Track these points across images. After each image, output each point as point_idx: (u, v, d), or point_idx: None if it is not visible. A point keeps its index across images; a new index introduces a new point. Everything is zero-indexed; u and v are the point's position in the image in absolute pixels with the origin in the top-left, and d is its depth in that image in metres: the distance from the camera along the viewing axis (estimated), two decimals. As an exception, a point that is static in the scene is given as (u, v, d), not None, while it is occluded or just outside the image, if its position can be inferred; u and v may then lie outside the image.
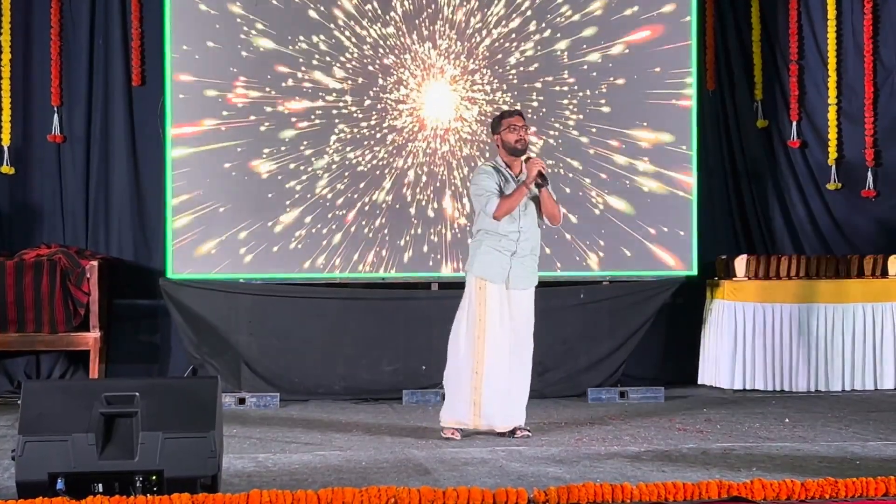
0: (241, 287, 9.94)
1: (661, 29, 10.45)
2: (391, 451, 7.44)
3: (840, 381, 10.46)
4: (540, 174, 7.92)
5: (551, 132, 10.32)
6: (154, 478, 5.47)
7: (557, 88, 10.33)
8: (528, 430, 8.08)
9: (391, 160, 10.14)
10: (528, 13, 10.28)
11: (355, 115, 10.12)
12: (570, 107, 10.35)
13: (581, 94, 10.36)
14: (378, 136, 10.14)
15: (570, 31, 10.35)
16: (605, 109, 10.38)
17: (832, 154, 11.30)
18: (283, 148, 10.02)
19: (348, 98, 10.11)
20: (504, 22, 10.26)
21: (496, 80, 10.27)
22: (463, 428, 7.99)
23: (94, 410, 5.49)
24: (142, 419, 5.50)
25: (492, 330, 7.97)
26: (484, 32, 10.24)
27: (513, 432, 8.01)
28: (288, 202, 10.00)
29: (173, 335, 10.19)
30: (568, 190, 10.26)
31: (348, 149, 10.10)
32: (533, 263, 8.14)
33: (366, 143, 10.12)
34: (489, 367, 7.96)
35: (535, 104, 10.29)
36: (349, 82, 10.11)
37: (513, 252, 8.01)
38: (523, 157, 8.08)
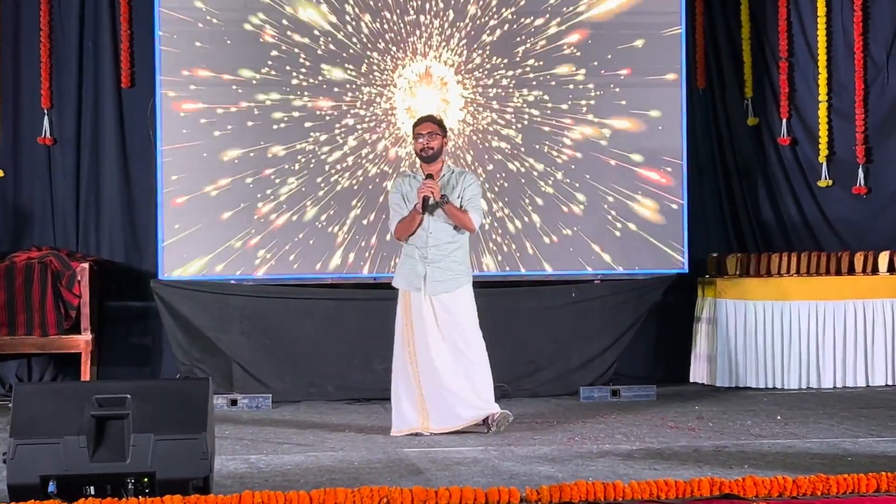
0: (232, 288, 9.94)
1: (651, 27, 10.44)
2: (383, 451, 7.44)
3: (831, 377, 10.48)
4: (425, 200, 7.92)
5: (540, 128, 10.31)
6: (146, 480, 5.45)
7: (544, 83, 10.33)
8: (507, 411, 8.12)
9: (383, 162, 10.13)
10: (512, 15, 10.29)
11: (349, 117, 10.11)
12: (559, 104, 10.34)
13: (570, 87, 10.35)
14: (370, 138, 10.13)
15: (557, 29, 10.36)
16: (593, 104, 10.37)
17: (823, 151, 11.31)
18: (275, 150, 10.01)
19: (343, 99, 10.10)
20: (486, 23, 10.26)
21: (488, 83, 10.26)
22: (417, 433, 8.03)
23: (86, 413, 5.48)
24: (133, 421, 5.48)
25: (420, 337, 8.03)
26: (468, 33, 10.24)
27: (493, 420, 8.05)
28: (278, 204, 9.99)
29: (165, 337, 10.17)
30: (551, 190, 10.27)
31: (340, 151, 10.10)
32: (454, 266, 8.10)
33: (358, 145, 10.11)
34: (424, 371, 8.02)
35: (519, 103, 10.29)
36: (345, 85, 10.11)
37: (425, 257, 8.03)
38: (446, 169, 8.14)
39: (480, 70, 10.25)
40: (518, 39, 10.31)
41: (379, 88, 10.15)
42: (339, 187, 10.08)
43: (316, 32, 10.08)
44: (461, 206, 8.07)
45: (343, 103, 10.12)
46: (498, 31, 10.26)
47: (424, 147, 8.09)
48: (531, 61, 10.32)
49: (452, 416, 8.04)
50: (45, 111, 10.41)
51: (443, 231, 8.08)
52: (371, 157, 10.14)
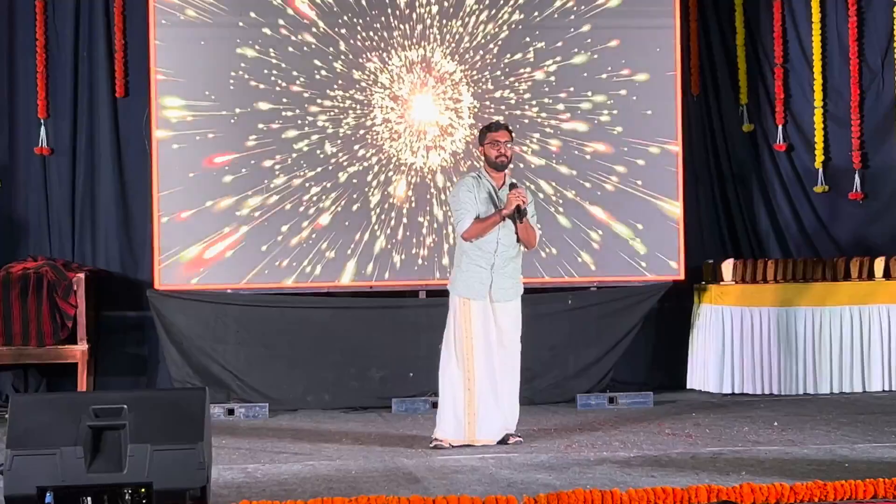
0: (228, 298, 9.93)
1: (645, 34, 10.45)
2: (381, 459, 7.44)
3: (828, 383, 10.48)
4: (518, 208, 7.84)
5: (534, 136, 10.31)
6: (143, 490, 5.45)
7: (539, 92, 10.34)
8: (520, 436, 8.07)
9: (379, 170, 10.13)
10: (510, 20, 10.30)
11: (344, 126, 10.11)
12: (554, 112, 10.34)
13: (564, 94, 10.35)
14: (367, 146, 10.13)
15: (553, 35, 10.37)
16: (590, 113, 10.37)
17: (819, 157, 11.31)
18: (271, 160, 10.01)
19: (338, 107, 10.10)
20: (484, 24, 10.27)
21: (486, 89, 10.27)
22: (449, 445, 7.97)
23: (83, 423, 5.47)
24: (130, 431, 5.48)
25: (479, 347, 7.94)
26: (470, 38, 10.25)
27: (505, 440, 8.00)
28: (275, 213, 9.99)
29: (161, 347, 10.16)
30: (542, 196, 10.28)
31: (337, 160, 10.09)
32: (515, 273, 8.08)
33: (354, 153, 10.11)
34: (480, 383, 7.93)
35: (517, 113, 10.29)
36: (340, 92, 10.11)
37: (492, 265, 7.97)
38: (508, 180, 8.01)
39: (479, 77, 10.25)
40: (512, 48, 10.31)
41: (376, 97, 10.15)
42: (338, 196, 10.06)
43: (310, 39, 10.08)
44: None
45: (342, 111, 10.11)
46: (491, 45, 10.26)
47: (501, 155, 7.95)
48: (528, 68, 10.32)
49: (497, 430, 8.00)
50: (42, 121, 10.41)
51: (510, 240, 7.98)
52: (359, 167, 10.13)
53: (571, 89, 10.37)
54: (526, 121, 10.31)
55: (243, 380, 9.89)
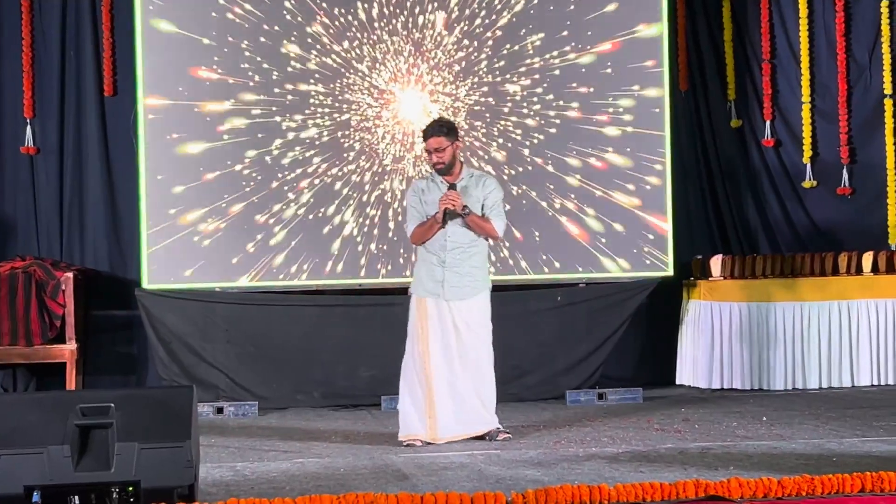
0: (217, 296, 9.92)
1: (633, 30, 10.45)
2: (369, 457, 7.44)
3: (817, 378, 10.50)
4: (446, 212, 7.85)
5: (523, 133, 10.32)
6: (131, 489, 5.44)
7: (526, 91, 10.34)
8: (509, 433, 8.06)
9: (367, 167, 10.13)
10: (495, 19, 10.30)
11: (331, 125, 10.10)
12: (542, 109, 10.34)
13: (550, 97, 10.35)
14: (354, 144, 10.12)
15: (544, 34, 10.37)
16: (577, 105, 10.38)
17: (807, 152, 11.33)
18: (257, 157, 10.00)
19: (325, 108, 10.09)
20: (470, 23, 10.27)
21: (471, 85, 10.26)
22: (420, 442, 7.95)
23: (70, 422, 5.46)
24: (117, 430, 5.47)
25: (434, 344, 7.93)
26: (453, 39, 10.25)
27: (492, 436, 7.99)
28: (263, 211, 9.98)
29: (150, 346, 10.15)
30: (533, 194, 10.28)
31: (323, 157, 10.09)
32: (473, 272, 8.03)
33: (341, 151, 10.11)
34: (437, 381, 7.92)
35: (505, 109, 10.30)
36: (325, 93, 10.10)
37: (443, 261, 7.96)
38: (464, 177, 8.01)
39: (461, 76, 10.26)
40: (500, 49, 10.31)
41: (363, 96, 10.15)
42: (323, 195, 10.06)
43: (299, 42, 10.07)
44: (483, 214, 8.00)
45: (329, 109, 10.10)
46: (475, 44, 10.26)
47: (437, 162, 7.96)
48: (517, 67, 10.32)
49: (461, 425, 7.97)
50: (28, 120, 10.39)
51: (462, 234, 7.97)
52: (346, 164, 10.13)
53: (559, 84, 10.36)
54: (514, 118, 10.31)
55: (232, 378, 9.88)
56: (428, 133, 8.02)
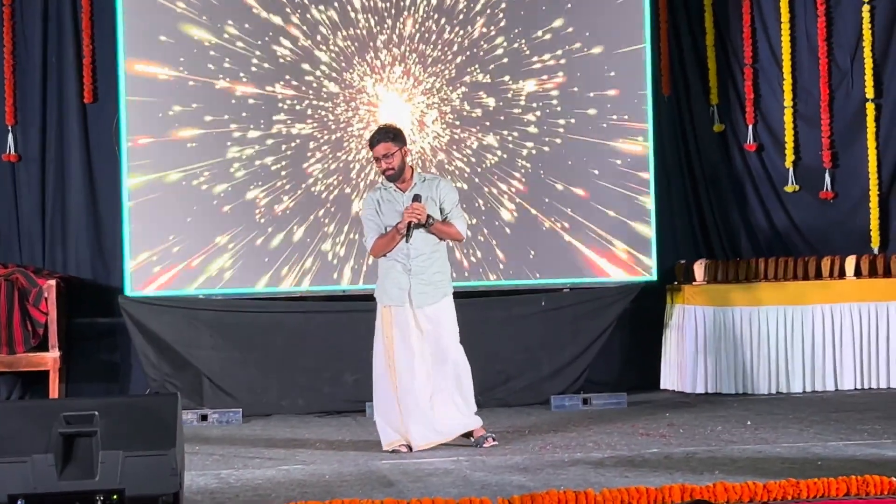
0: (201, 303, 9.90)
1: (616, 35, 10.47)
2: (355, 463, 7.42)
3: (801, 382, 10.51)
4: (409, 225, 7.79)
5: (509, 138, 10.32)
6: (115, 497, 5.41)
7: (511, 96, 10.34)
8: (496, 440, 8.03)
9: (349, 174, 10.12)
10: (481, 20, 10.31)
11: (315, 131, 10.09)
12: (527, 114, 10.35)
13: (536, 104, 10.36)
14: (337, 151, 10.12)
15: (530, 38, 10.38)
16: (559, 111, 10.38)
17: (789, 156, 11.36)
18: (240, 164, 9.98)
19: (308, 114, 10.08)
20: (456, 28, 10.27)
21: (455, 91, 10.27)
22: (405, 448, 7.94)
23: (53, 430, 5.43)
24: (101, 438, 5.44)
25: (400, 353, 7.90)
26: (437, 44, 10.26)
27: (478, 442, 7.98)
28: (246, 218, 9.96)
29: (133, 353, 10.13)
30: (518, 199, 10.28)
31: (307, 164, 10.08)
32: (437, 277, 7.98)
33: (324, 158, 10.10)
34: (403, 389, 7.89)
35: (490, 109, 10.30)
36: (309, 97, 10.09)
37: (408, 269, 7.92)
38: (417, 183, 7.96)
39: (441, 82, 10.26)
40: (481, 53, 10.31)
41: (348, 104, 10.15)
42: (308, 202, 10.05)
43: (287, 46, 10.07)
44: (444, 219, 7.99)
45: (313, 117, 10.09)
46: (455, 47, 10.27)
47: (386, 169, 7.92)
48: (499, 73, 10.33)
49: (433, 433, 7.94)
50: (9, 128, 10.36)
51: (424, 241, 7.93)
52: (329, 171, 10.12)
53: (543, 90, 10.37)
54: (502, 117, 10.31)
55: (217, 385, 9.86)
56: (375, 140, 7.97)
